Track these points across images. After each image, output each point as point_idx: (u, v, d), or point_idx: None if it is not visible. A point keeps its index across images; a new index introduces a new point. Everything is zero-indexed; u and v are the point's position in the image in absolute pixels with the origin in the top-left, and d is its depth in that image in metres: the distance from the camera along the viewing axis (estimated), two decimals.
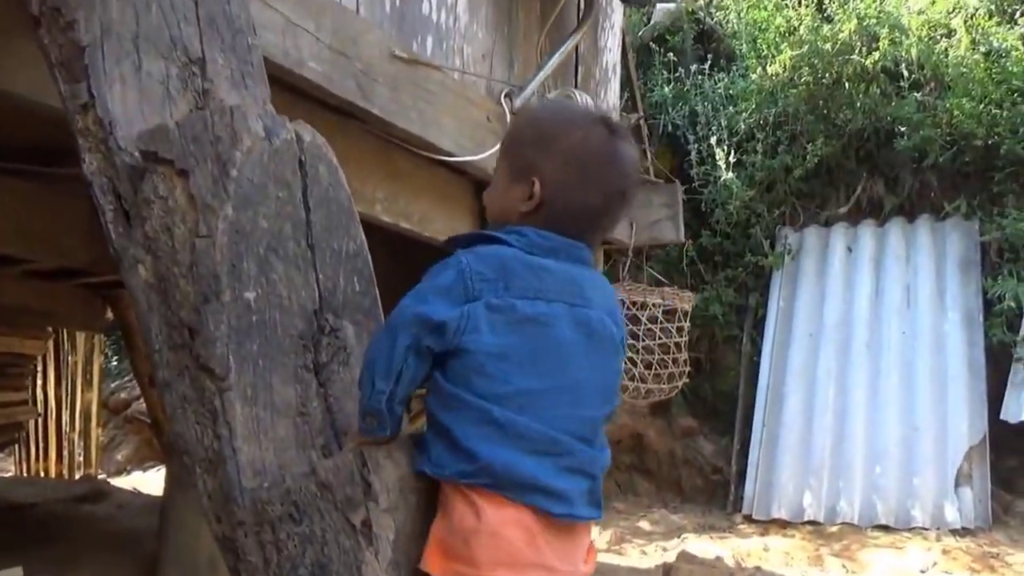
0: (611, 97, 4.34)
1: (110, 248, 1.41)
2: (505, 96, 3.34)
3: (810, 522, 5.65)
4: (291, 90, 2.37)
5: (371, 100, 2.58)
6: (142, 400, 6.89)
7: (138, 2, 1.51)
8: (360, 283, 1.56)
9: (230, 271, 1.36)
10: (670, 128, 6.92)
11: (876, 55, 6.48)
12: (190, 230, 1.36)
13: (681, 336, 4.45)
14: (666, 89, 6.97)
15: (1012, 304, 5.70)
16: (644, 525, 5.76)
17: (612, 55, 4.35)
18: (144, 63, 1.49)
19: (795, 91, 6.63)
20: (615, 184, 1.30)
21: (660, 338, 4.29)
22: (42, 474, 6.59)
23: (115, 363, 9.03)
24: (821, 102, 6.69)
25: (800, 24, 6.79)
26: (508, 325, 1.19)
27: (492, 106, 3.26)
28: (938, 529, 5.37)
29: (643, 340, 4.23)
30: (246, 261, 1.39)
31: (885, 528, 5.47)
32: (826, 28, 6.64)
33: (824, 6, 7.09)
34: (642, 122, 4.52)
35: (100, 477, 6.10)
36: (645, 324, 4.25)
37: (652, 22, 7.50)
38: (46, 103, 1.94)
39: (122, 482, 5.78)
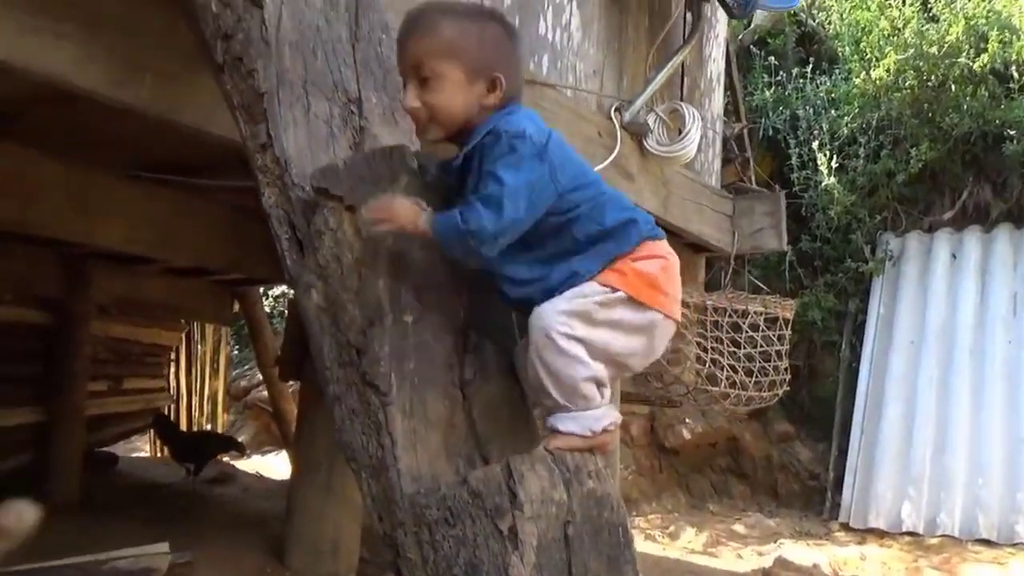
0: (715, 106, 4.40)
1: (285, 273, 1.58)
2: (615, 110, 3.44)
3: (909, 533, 5.60)
4: None
5: None
6: (262, 388, 7.29)
7: (306, 51, 1.67)
8: (495, 302, 1.70)
9: (391, 297, 1.51)
10: (770, 132, 6.90)
11: (984, 57, 6.34)
12: (357, 259, 1.52)
13: (782, 344, 4.47)
14: (767, 93, 6.95)
15: None
16: (739, 528, 5.80)
17: (716, 65, 4.40)
18: (312, 105, 1.65)
19: (899, 95, 6.54)
20: (521, 63, 1.62)
21: (761, 346, 4.33)
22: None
23: (236, 352, 9.51)
24: (926, 105, 6.59)
25: (905, 26, 6.68)
26: (566, 154, 1.51)
27: (602, 120, 3.37)
28: None
29: (744, 348, 4.28)
30: (404, 288, 1.54)
31: (987, 543, 5.39)
32: (932, 30, 6.52)
33: (930, 5, 6.95)
34: (745, 131, 4.56)
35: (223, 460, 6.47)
36: (746, 332, 4.29)
37: (753, 25, 7.47)
38: (207, 131, 2.14)
39: (243, 465, 6.12)
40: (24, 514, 2.06)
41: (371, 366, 1.47)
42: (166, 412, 6.58)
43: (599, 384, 1.51)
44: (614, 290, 1.48)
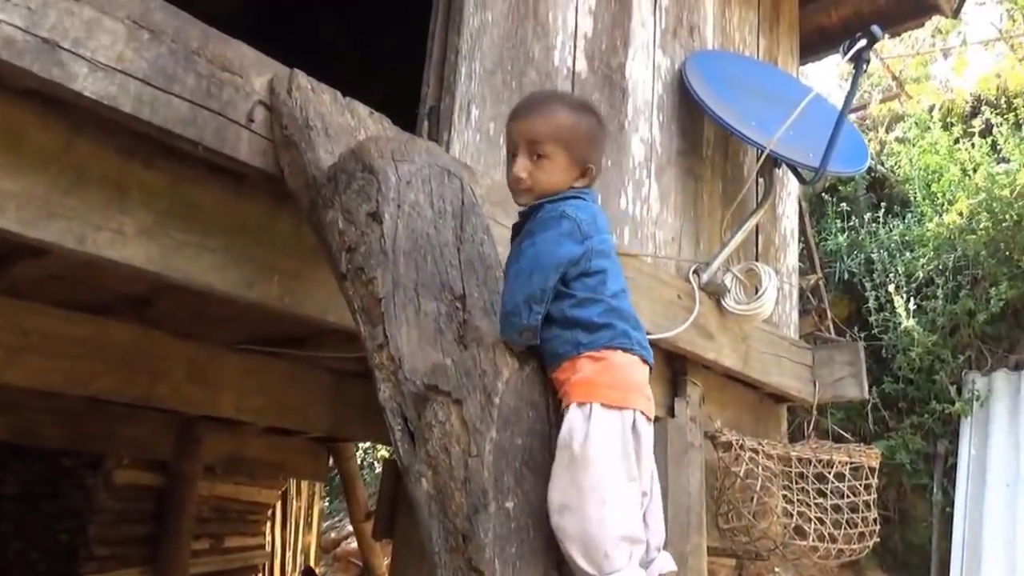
0: (790, 260, 4.52)
1: (398, 462, 1.73)
2: (693, 273, 3.60)
3: None
4: None
5: None
6: (351, 540, 7.42)
7: (419, 257, 1.87)
8: None
9: (495, 485, 1.65)
10: (846, 276, 6.97)
11: None
12: (463, 450, 1.66)
13: (869, 494, 4.42)
14: (840, 238, 7.05)
15: None
16: None
17: (790, 220, 4.55)
18: (422, 305, 1.84)
19: (974, 237, 6.57)
20: (604, 151, 1.93)
21: (848, 496, 4.29)
22: None
23: (326, 503, 9.69)
24: (1002, 245, 6.60)
25: (975, 170, 6.78)
26: (606, 252, 1.77)
27: (681, 284, 3.52)
28: None
29: (831, 498, 4.25)
30: (506, 475, 1.67)
31: None
32: (1002, 172, 6.59)
33: (999, 146, 7.05)
34: (820, 283, 4.67)
35: None
36: (832, 482, 4.27)
37: None
38: (322, 319, 2.35)
39: None
40: None
41: (476, 552, 1.60)
42: (261, 569, 6.72)
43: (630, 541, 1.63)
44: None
